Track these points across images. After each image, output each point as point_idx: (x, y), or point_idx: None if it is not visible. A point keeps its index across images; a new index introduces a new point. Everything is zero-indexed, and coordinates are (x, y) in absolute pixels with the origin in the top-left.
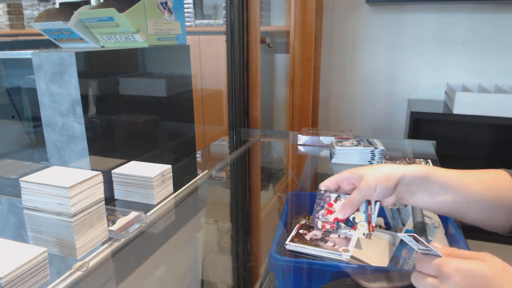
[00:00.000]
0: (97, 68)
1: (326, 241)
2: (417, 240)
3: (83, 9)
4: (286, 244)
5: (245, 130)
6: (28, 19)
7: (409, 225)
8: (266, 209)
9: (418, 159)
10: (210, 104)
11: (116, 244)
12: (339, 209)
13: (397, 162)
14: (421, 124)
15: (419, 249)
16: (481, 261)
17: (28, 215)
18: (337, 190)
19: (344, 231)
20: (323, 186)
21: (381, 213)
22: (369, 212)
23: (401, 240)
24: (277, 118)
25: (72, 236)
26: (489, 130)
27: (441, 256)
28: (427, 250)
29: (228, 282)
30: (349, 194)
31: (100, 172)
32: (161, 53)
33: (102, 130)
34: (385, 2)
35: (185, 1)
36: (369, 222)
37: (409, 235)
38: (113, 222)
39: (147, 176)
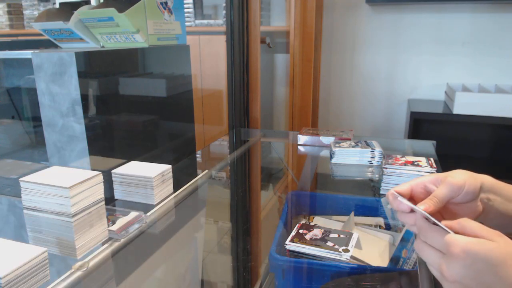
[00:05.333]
0: (97, 68)
1: (326, 241)
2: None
3: (83, 9)
4: (286, 244)
5: (245, 130)
6: (28, 19)
7: None
8: (266, 209)
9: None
10: (210, 104)
11: (116, 244)
12: (419, 204)
13: (399, 162)
14: (421, 124)
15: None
16: (491, 242)
17: (28, 215)
18: (410, 198)
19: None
20: (392, 192)
21: (381, 213)
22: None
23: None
24: (277, 118)
25: (72, 236)
26: (489, 130)
27: (449, 232)
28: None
29: (228, 282)
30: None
31: (100, 172)
32: (161, 53)
33: (102, 130)
34: (385, 2)
35: (185, 1)
36: None
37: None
38: (113, 222)
39: (147, 176)
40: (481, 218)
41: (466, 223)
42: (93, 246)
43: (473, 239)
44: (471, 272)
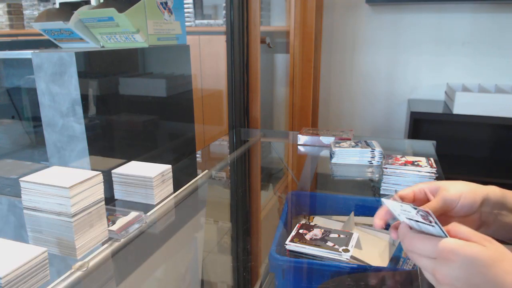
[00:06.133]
0: (97, 68)
1: (326, 241)
2: (424, 217)
3: (83, 9)
4: (286, 244)
5: (245, 130)
6: (28, 19)
7: None
8: (266, 209)
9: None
10: (210, 104)
11: (116, 244)
12: None
13: (399, 162)
14: (421, 124)
15: (416, 220)
16: (479, 245)
17: (28, 215)
18: (413, 201)
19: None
20: (397, 195)
21: None
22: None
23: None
24: (277, 118)
25: (72, 236)
26: (489, 130)
27: (445, 237)
28: (430, 225)
29: (228, 282)
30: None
31: (100, 172)
32: (161, 53)
33: (102, 130)
34: (385, 2)
35: (185, 1)
36: None
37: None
38: (113, 222)
39: (147, 176)
40: (482, 230)
41: (457, 228)
42: (93, 246)
43: (462, 242)
44: (462, 274)
